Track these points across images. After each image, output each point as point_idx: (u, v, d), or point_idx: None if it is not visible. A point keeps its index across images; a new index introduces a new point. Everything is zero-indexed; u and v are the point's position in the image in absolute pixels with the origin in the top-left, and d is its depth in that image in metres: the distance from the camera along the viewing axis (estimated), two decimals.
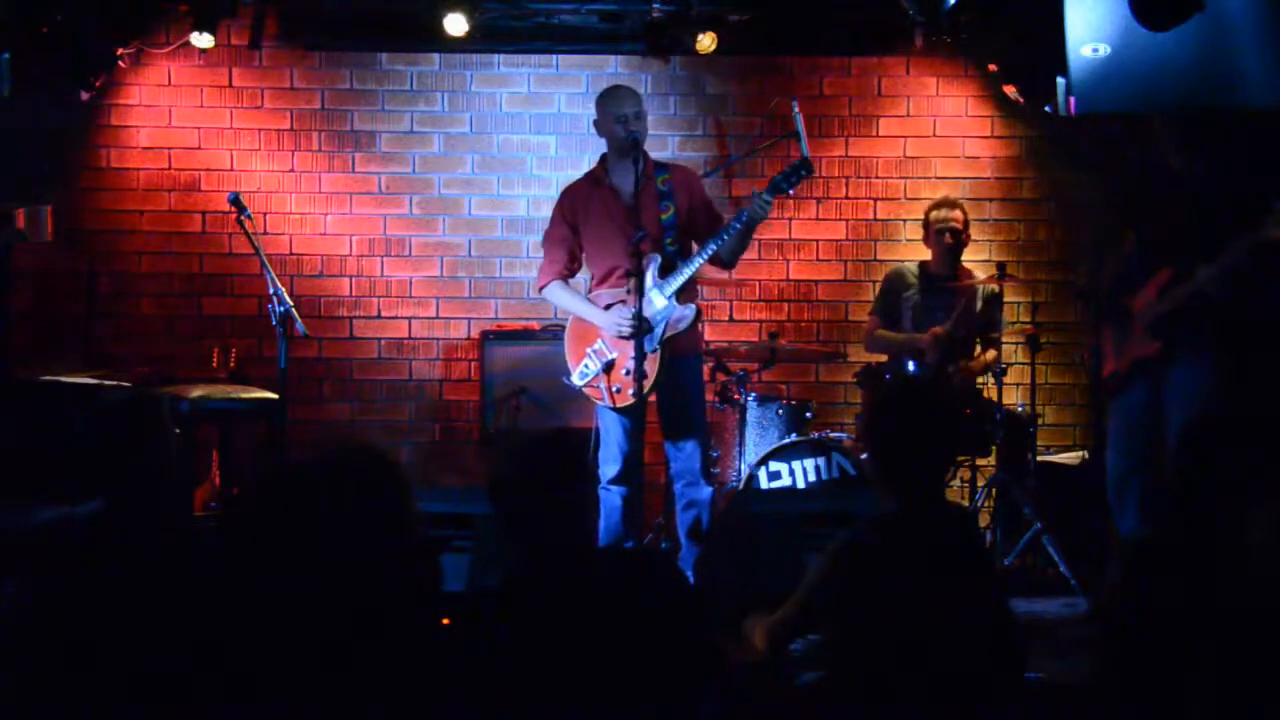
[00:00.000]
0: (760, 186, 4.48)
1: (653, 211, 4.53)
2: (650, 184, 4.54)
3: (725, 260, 4.59)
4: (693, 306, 4.48)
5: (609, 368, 4.52)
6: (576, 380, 4.60)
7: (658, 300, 4.46)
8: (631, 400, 4.47)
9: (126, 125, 6.03)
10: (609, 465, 4.52)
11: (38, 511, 2.59)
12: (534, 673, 2.22)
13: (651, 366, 4.46)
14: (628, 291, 4.45)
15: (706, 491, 4.58)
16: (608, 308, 4.53)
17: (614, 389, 4.51)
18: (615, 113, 4.51)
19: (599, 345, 4.55)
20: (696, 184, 4.67)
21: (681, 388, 4.54)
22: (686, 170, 4.74)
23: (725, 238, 4.42)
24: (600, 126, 4.60)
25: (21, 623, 2.38)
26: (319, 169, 6.08)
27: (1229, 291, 4.09)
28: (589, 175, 4.72)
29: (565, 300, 4.66)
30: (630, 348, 4.46)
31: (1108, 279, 4.47)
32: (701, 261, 4.43)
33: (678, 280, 4.44)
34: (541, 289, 4.74)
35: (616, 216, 4.56)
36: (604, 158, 4.68)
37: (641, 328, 4.41)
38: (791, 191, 4.53)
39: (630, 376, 4.47)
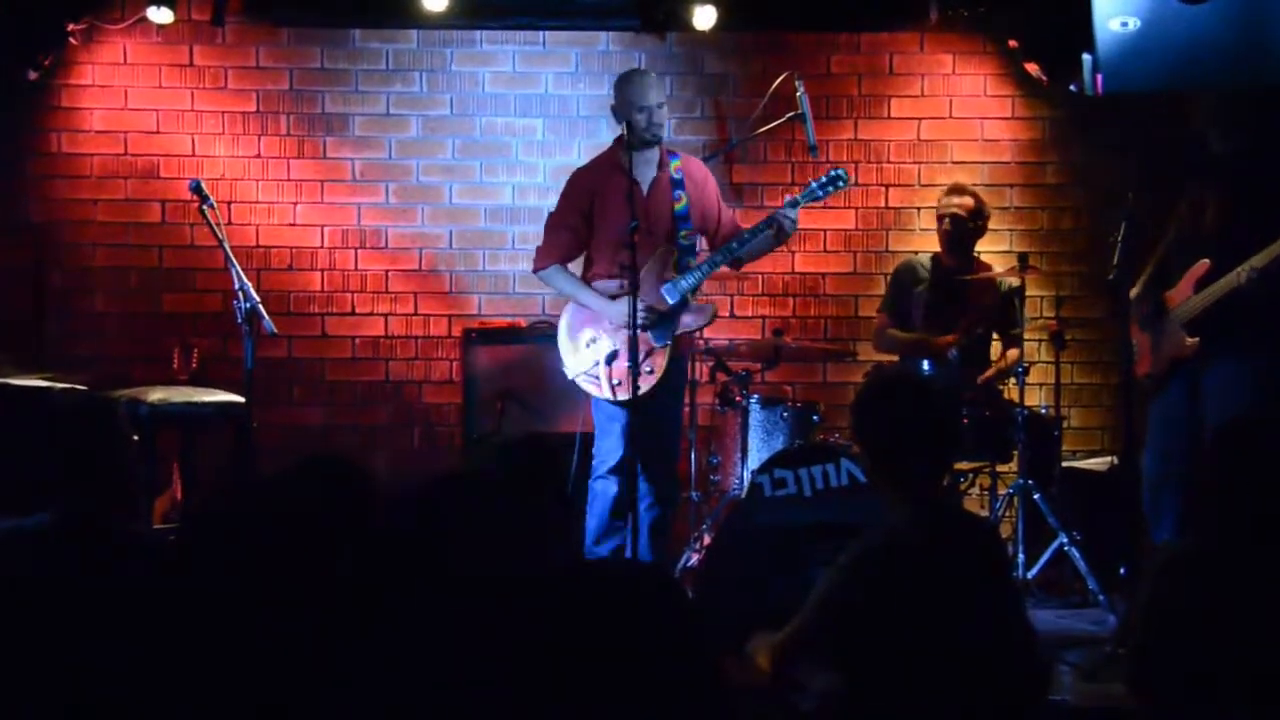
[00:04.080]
0: (772, 194, 4.58)
1: (666, 202, 4.64)
2: (664, 173, 4.67)
3: (741, 264, 4.79)
4: (710, 307, 4.65)
5: (612, 359, 4.60)
6: (574, 372, 4.67)
7: (671, 296, 4.58)
8: (633, 395, 4.51)
9: (78, 107, 6.01)
10: (612, 454, 4.59)
11: None
12: (516, 697, 2.21)
13: (659, 362, 4.59)
14: (622, 285, 4.50)
15: (664, 510, 4.69)
16: (613, 298, 4.60)
17: (615, 382, 4.59)
18: (639, 102, 4.60)
19: (600, 336, 4.63)
20: (708, 174, 4.80)
21: (672, 391, 4.64)
22: (697, 160, 4.87)
23: (749, 242, 4.60)
24: (620, 112, 4.67)
25: None
26: (288, 154, 6.07)
27: (1269, 289, 4.09)
28: (607, 160, 4.77)
29: (568, 286, 4.74)
30: (640, 341, 4.52)
31: (1142, 271, 4.47)
32: (720, 263, 4.61)
33: (693, 279, 4.60)
34: (539, 270, 4.81)
35: (631, 207, 4.59)
36: (620, 141, 4.72)
37: (652, 321, 4.53)
38: (822, 200, 4.77)
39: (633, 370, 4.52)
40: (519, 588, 2.32)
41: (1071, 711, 3.61)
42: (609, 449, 4.61)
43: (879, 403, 2.75)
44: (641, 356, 4.53)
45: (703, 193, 4.71)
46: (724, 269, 5.28)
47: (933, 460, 2.73)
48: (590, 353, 4.63)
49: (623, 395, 4.56)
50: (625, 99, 4.64)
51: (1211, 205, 4.31)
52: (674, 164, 4.67)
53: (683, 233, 4.62)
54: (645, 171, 4.67)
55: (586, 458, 4.71)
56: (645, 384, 4.54)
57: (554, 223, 4.81)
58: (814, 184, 4.66)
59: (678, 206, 4.63)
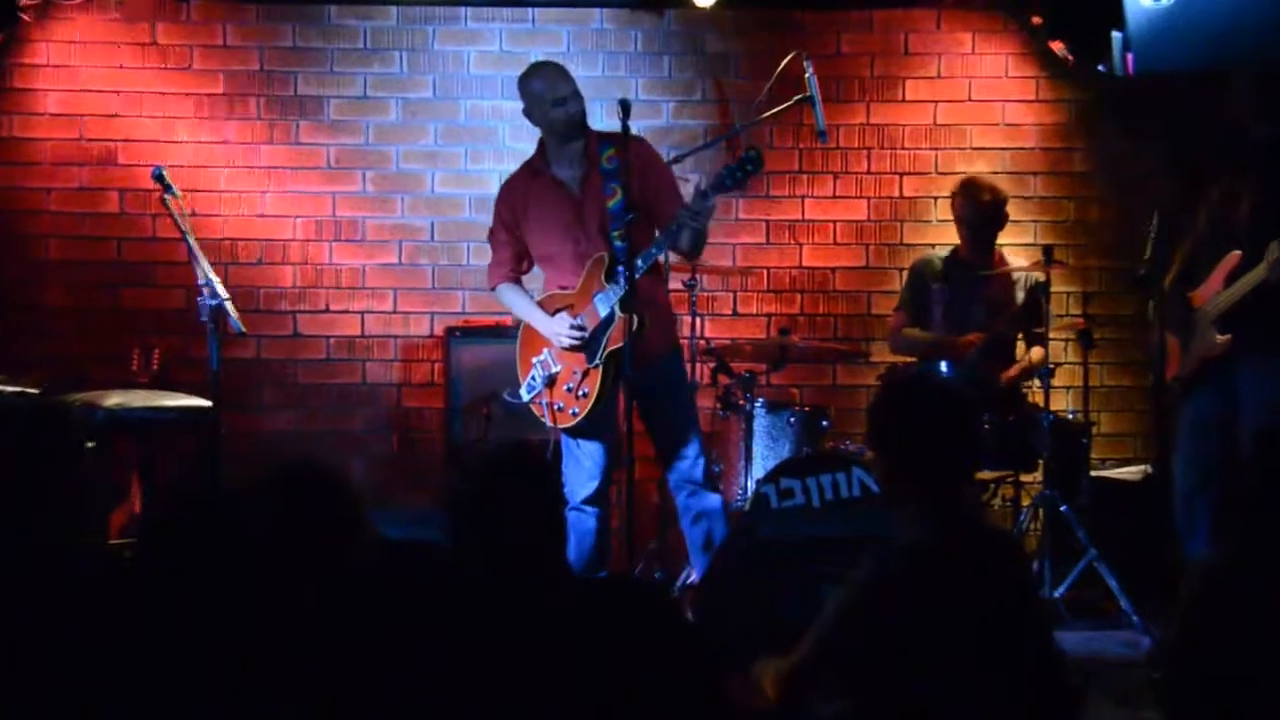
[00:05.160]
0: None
1: (598, 200, 4.49)
2: (594, 166, 4.50)
3: (687, 255, 4.65)
4: (635, 319, 4.34)
5: (551, 382, 4.53)
6: (523, 394, 4.63)
7: (601, 308, 4.44)
8: (573, 421, 4.49)
9: (31, 89, 6.00)
10: (582, 484, 4.53)
11: None
12: None
13: (592, 384, 4.46)
14: (615, 292, 4.44)
15: (713, 499, 4.60)
16: (555, 313, 4.53)
17: (555, 406, 4.52)
18: (552, 96, 4.46)
19: (545, 356, 4.57)
20: (649, 158, 4.55)
21: (662, 393, 4.53)
22: (638, 142, 4.53)
23: (663, 246, 4.40)
24: (533, 113, 4.55)
25: None
26: (257, 140, 6.06)
27: None
28: (527, 165, 4.68)
29: (513, 303, 4.69)
30: (576, 360, 4.49)
31: (1172, 264, 4.47)
32: (645, 267, 4.37)
33: (621, 286, 4.34)
34: (491, 289, 4.78)
35: (562, 212, 4.53)
36: (542, 143, 4.64)
37: (583, 339, 4.43)
38: (737, 189, 4.48)
39: (572, 393, 4.49)
40: (503, 604, 2.31)
41: None
42: (578, 478, 4.53)
43: (898, 406, 2.74)
44: (576, 380, 4.47)
45: (644, 180, 4.44)
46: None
47: (955, 469, 2.72)
48: (536, 374, 4.57)
49: (562, 422, 4.51)
50: (536, 96, 4.49)
51: (1246, 194, 4.31)
52: (606, 153, 4.47)
53: (615, 233, 4.40)
54: (570, 169, 4.53)
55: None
56: (580, 408, 4.46)
57: (491, 240, 4.74)
58: (724, 170, 4.34)
59: (610, 203, 4.44)
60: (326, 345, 6.10)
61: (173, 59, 6.03)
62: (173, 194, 4.57)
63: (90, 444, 4.90)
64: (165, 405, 5.18)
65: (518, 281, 4.70)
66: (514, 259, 4.69)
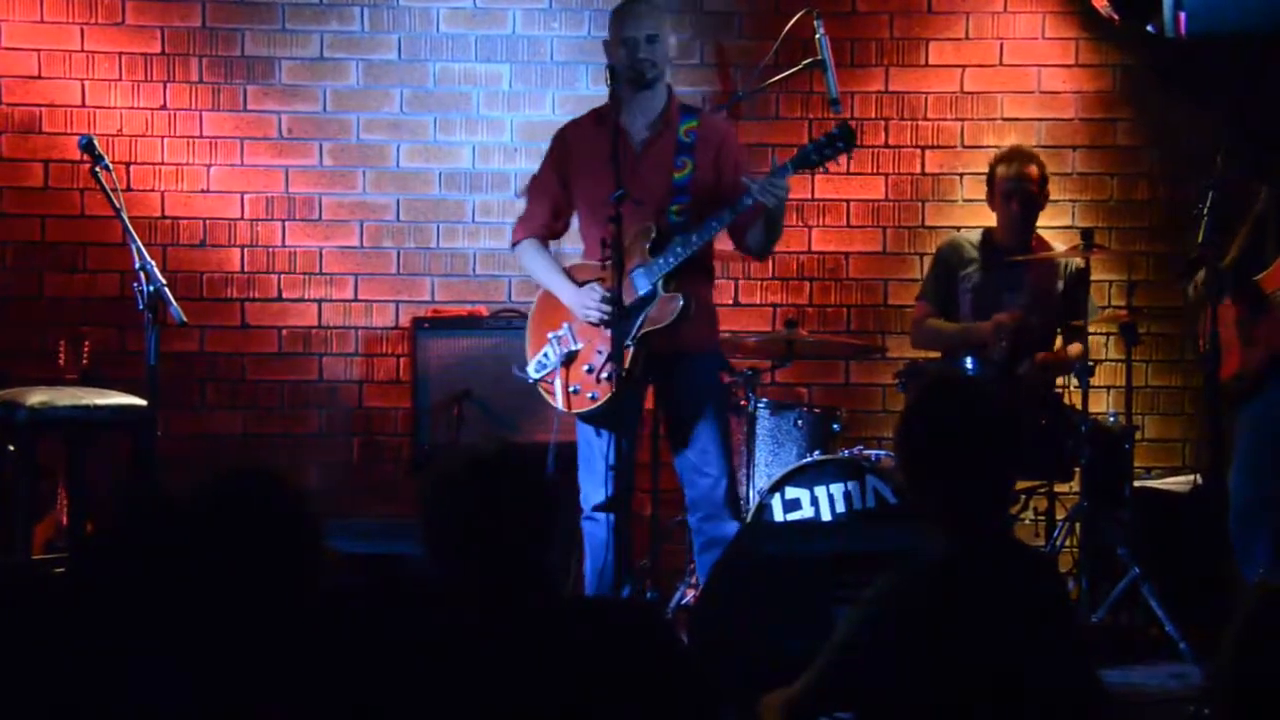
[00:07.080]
0: (782, 157, 4.49)
1: (664, 168, 4.58)
2: (669, 132, 4.60)
3: (754, 250, 4.72)
4: (681, 298, 4.49)
5: (569, 360, 4.58)
6: (531, 372, 4.68)
7: (640, 283, 4.50)
8: (590, 406, 4.53)
9: None
10: (595, 487, 4.55)
11: None
12: None
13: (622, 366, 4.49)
14: (603, 266, 4.46)
15: (732, 527, 4.62)
16: (584, 284, 4.56)
17: (570, 388, 4.57)
18: (620, 34, 4.58)
19: (564, 331, 4.62)
20: (730, 141, 4.71)
21: (691, 396, 4.58)
22: (721, 123, 4.78)
23: (724, 219, 4.46)
24: (608, 51, 4.67)
25: None
26: (200, 106, 6.05)
27: None
28: (595, 112, 4.77)
29: (536, 266, 4.74)
30: (600, 338, 4.50)
31: (1230, 249, 4.48)
32: (700, 243, 4.48)
33: (669, 262, 4.47)
34: (513, 246, 4.85)
35: (620, 167, 4.57)
36: (615, 91, 4.68)
37: (617, 314, 4.42)
38: (827, 168, 4.55)
39: (593, 375, 4.52)
40: (482, 626, 2.32)
41: None
42: (591, 480, 4.56)
43: (933, 406, 2.75)
44: (600, 360, 4.50)
45: (722, 160, 4.61)
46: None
47: (992, 481, 2.73)
48: (551, 350, 4.62)
49: (577, 407, 4.55)
50: (610, 32, 4.64)
51: None
52: (686, 125, 4.60)
53: (675, 207, 4.53)
54: (641, 128, 4.62)
55: (566, 477, 4.70)
56: (601, 393, 4.50)
57: (530, 187, 4.83)
58: (809, 146, 4.49)
59: (678, 175, 4.56)
60: (278, 337, 6.10)
61: (102, 13, 6.01)
62: (104, 166, 4.57)
63: (11, 447, 4.90)
64: (96, 404, 5.17)
65: (546, 242, 4.76)
66: (550, 213, 4.75)
